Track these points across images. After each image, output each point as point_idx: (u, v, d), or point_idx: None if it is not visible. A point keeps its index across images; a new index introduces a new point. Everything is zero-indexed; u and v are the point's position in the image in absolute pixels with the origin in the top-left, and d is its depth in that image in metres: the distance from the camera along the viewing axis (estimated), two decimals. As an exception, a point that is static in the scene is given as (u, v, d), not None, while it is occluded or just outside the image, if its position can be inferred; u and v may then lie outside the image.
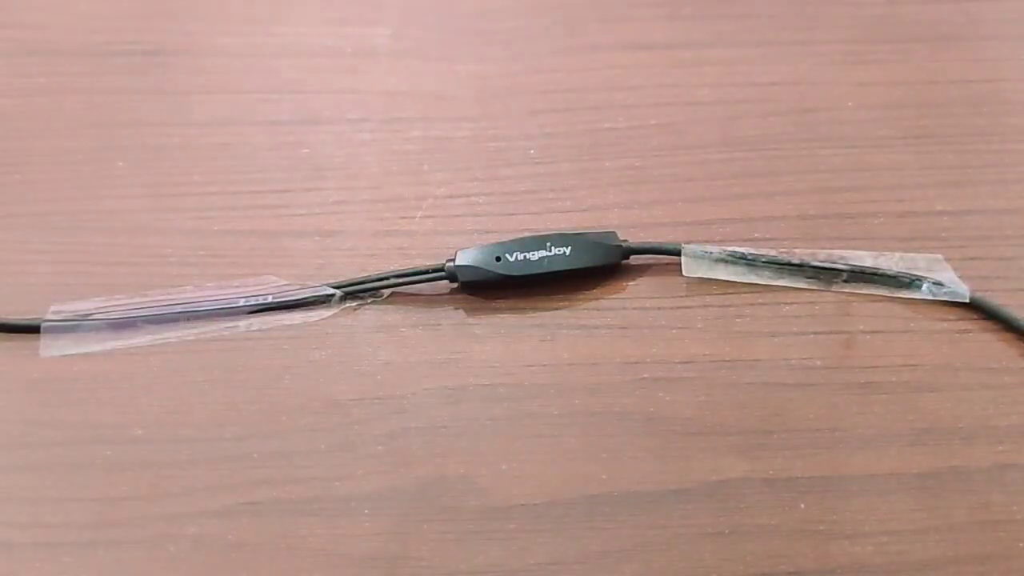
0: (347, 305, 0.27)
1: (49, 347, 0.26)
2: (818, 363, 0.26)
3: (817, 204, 0.29)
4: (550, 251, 0.27)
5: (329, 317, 0.27)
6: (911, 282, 0.27)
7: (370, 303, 0.27)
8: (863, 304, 0.27)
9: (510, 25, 0.36)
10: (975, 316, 0.27)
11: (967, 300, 0.26)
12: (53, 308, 0.27)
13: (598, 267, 0.27)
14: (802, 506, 0.23)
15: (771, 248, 0.28)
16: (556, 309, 0.27)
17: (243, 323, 0.27)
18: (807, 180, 0.30)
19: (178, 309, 0.27)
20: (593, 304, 0.27)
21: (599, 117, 0.32)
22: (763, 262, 0.27)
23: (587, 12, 0.36)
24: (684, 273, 0.27)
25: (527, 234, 0.28)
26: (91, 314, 0.27)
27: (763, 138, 0.31)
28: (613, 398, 0.25)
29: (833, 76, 0.34)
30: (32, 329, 0.27)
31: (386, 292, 0.27)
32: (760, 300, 0.27)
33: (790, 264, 0.27)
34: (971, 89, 0.33)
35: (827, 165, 0.31)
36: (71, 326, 0.27)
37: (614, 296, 0.27)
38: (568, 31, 0.35)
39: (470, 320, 0.27)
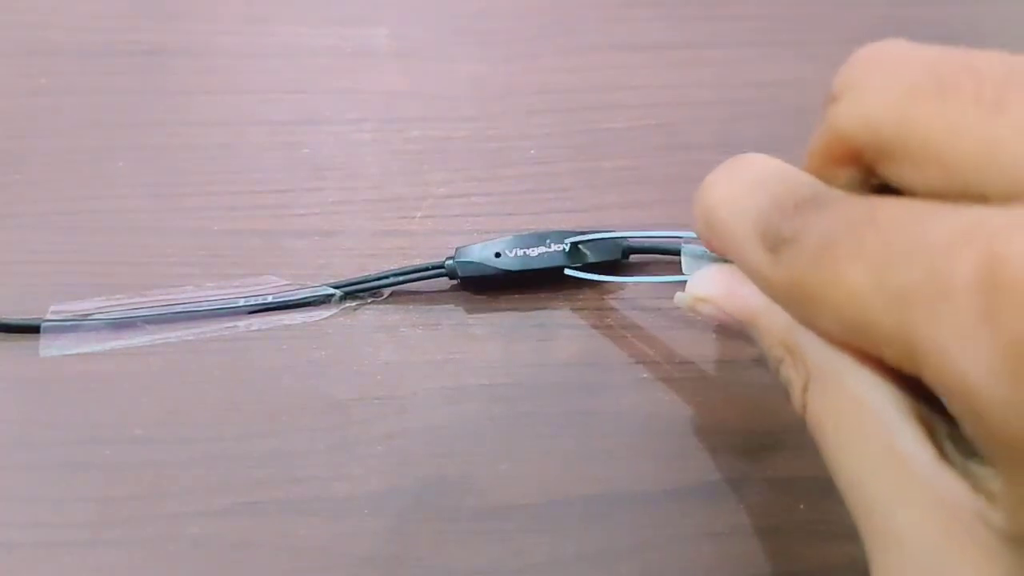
0: (347, 305, 0.27)
1: (49, 347, 0.26)
2: (818, 363, 0.26)
3: (817, 204, 0.29)
4: (549, 247, 0.27)
5: (329, 317, 0.27)
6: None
7: (370, 303, 0.27)
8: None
9: (510, 25, 0.36)
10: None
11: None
12: (53, 308, 0.27)
13: (598, 266, 0.27)
14: (802, 506, 0.23)
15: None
16: (556, 309, 0.27)
17: (243, 323, 0.27)
18: (807, 180, 0.30)
19: (178, 309, 0.27)
20: (592, 304, 0.27)
21: (599, 117, 0.32)
22: (763, 262, 0.27)
23: (586, 12, 0.36)
24: (684, 272, 0.27)
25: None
26: (91, 314, 0.27)
27: (763, 138, 0.31)
28: (612, 398, 0.25)
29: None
30: (32, 329, 0.27)
31: (386, 292, 0.27)
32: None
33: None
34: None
35: (827, 165, 0.31)
36: (71, 326, 0.27)
37: (613, 296, 0.27)
38: (568, 31, 0.35)
39: (470, 320, 0.27)
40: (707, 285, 0.21)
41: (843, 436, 0.15)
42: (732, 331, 0.21)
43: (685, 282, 0.22)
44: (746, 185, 0.17)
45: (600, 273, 0.27)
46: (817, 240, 0.14)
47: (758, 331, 0.19)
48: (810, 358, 0.16)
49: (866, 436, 0.15)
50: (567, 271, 0.27)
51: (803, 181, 0.16)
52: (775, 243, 0.15)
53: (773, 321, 0.17)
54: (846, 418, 0.15)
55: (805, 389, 0.16)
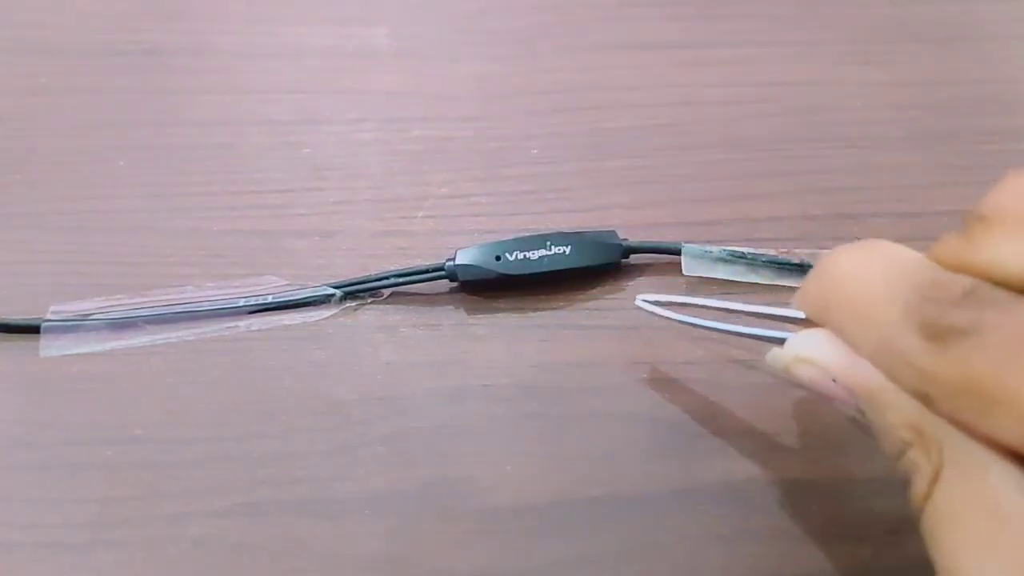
0: (347, 305, 0.27)
1: (49, 347, 0.26)
2: (820, 363, 0.26)
3: (820, 204, 0.29)
4: (550, 250, 0.27)
5: (329, 317, 0.27)
6: (912, 282, 0.27)
7: (370, 303, 0.27)
8: (865, 304, 0.27)
9: (510, 25, 0.36)
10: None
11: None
12: (53, 308, 0.27)
13: (598, 266, 0.27)
14: (806, 507, 0.23)
15: (772, 248, 0.28)
16: (557, 309, 0.27)
17: (243, 323, 0.27)
18: (810, 180, 0.30)
19: (178, 309, 0.27)
20: (593, 304, 0.27)
21: (601, 117, 0.32)
22: (763, 262, 0.27)
23: (588, 12, 0.36)
24: (684, 272, 0.27)
25: (527, 234, 0.28)
26: (91, 314, 0.27)
27: (766, 138, 0.31)
28: (614, 399, 0.25)
29: (836, 76, 0.34)
30: (32, 329, 0.26)
31: (386, 292, 0.27)
32: (760, 300, 0.27)
33: (790, 264, 0.27)
34: (975, 90, 0.33)
35: (830, 165, 0.31)
36: (71, 326, 0.27)
37: (614, 296, 0.27)
38: (569, 31, 0.35)
39: (471, 320, 0.27)
40: (816, 348, 0.19)
41: (978, 536, 0.14)
42: (825, 397, 0.19)
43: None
44: (889, 269, 0.17)
45: (600, 273, 0.27)
46: (1008, 338, 0.14)
47: (879, 408, 0.17)
48: (947, 446, 0.15)
49: (1009, 539, 0.14)
50: (639, 302, 0.24)
51: (952, 273, 0.16)
52: (939, 333, 0.15)
53: (902, 400, 0.16)
54: (985, 517, 0.14)
55: (935, 479, 0.15)
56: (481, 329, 0.27)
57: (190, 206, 0.30)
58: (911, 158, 0.31)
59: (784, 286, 0.27)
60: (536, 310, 0.27)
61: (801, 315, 0.20)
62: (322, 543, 0.23)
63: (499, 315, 0.27)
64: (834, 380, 0.18)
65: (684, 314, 0.24)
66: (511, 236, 0.28)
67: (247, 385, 0.26)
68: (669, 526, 0.23)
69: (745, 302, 0.22)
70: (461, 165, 0.31)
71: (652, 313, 0.24)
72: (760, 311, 0.22)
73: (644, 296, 0.24)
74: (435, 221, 0.29)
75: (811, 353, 0.19)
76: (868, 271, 0.17)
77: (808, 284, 0.19)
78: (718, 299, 0.23)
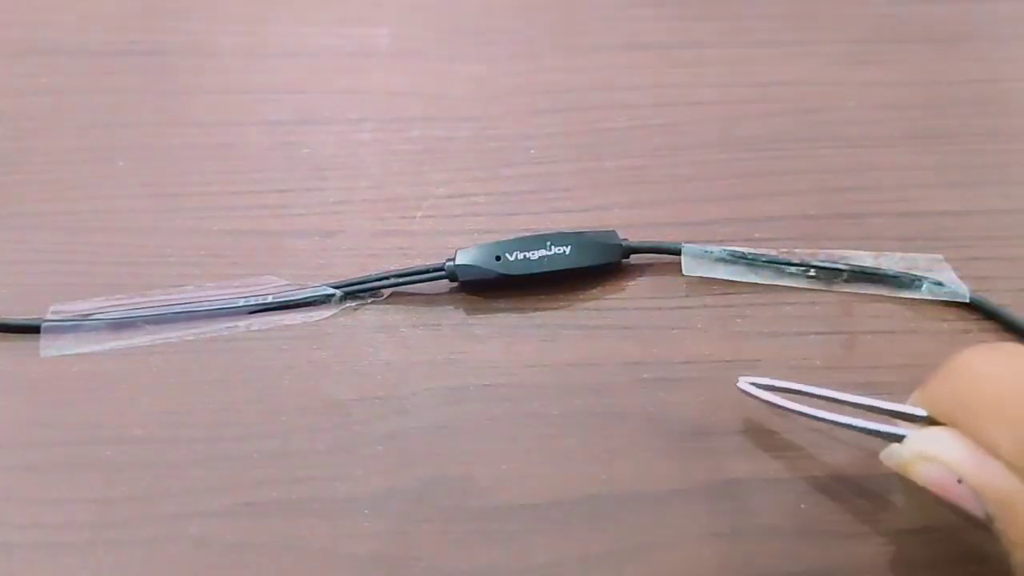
0: (347, 305, 0.27)
1: (49, 347, 0.26)
2: (818, 363, 0.26)
3: (819, 204, 0.29)
4: (550, 250, 0.27)
5: (329, 317, 0.27)
6: (911, 282, 0.27)
7: (370, 303, 0.27)
8: (863, 304, 0.27)
9: (510, 25, 0.36)
10: (975, 316, 0.27)
11: (967, 300, 0.26)
12: (53, 308, 0.27)
13: (598, 266, 0.27)
14: (803, 507, 0.23)
15: (772, 248, 0.28)
16: (556, 309, 0.27)
17: (243, 323, 0.27)
18: (809, 180, 0.30)
19: (178, 309, 0.27)
20: (593, 304, 0.27)
21: (600, 117, 0.32)
22: (763, 262, 0.27)
23: (588, 12, 0.36)
24: (684, 272, 0.27)
25: (527, 234, 0.28)
26: (91, 314, 0.27)
27: (765, 138, 0.31)
28: (614, 398, 0.25)
29: (835, 76, 0.34)
30: (32, 329, 0.27)
31: (386, 292, 0.27)
32: (760, 300, 0.27)
33: (790, 264, 0.27)
34: (974, 89, 0.33)
35: (829, 165, 0.31)
36: (71, 326, 0.27)
37: (614, 296, 0.27)
38: (569, 31, 0.35)
39: (471, 320, 0.27)
40: (942, 446, 0.18)
41: None
42: (947, 498, 0.18)
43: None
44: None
45: (600, 273, 0.27)
46: None
47: (1013, 514, 0.17)
48: None
49: None
50: (743, 384, 0.23)
51: None
52: None
53: None
54: None
55: None
56: (481, 329, 0.27)
57: (190, 206, 0.30)
58: (909, 158, 0.31)
59: (784, 286, 0.27)
60: (536, 310, 0.27)
61: (921, 412, 0.19)
62: (321, 542, 0.23)
63: (499, 315, 0.27)
64: (959, 481, 0.18)
65: (788, 399, 0.22)
66: (511, 236, 0.28)
67: (247, 385, 0.26)
68: (668, 526, 0.23)
69: (856, 393, 0.22)
70: (460, 165, 0.31)
71: (757, 398, 0.23)
72: (875, 405, 0.21)
73: (749, 379, 0.23)
74: (435, 221, 0.29)
75: (937, 452, 0.18)
76: (1010, 373, 0.17)
77: (936, 383, 0.19)
78: (827, 389, 0.22)
